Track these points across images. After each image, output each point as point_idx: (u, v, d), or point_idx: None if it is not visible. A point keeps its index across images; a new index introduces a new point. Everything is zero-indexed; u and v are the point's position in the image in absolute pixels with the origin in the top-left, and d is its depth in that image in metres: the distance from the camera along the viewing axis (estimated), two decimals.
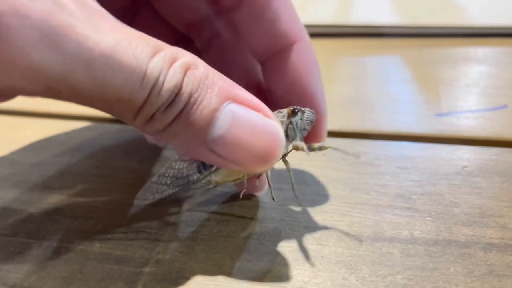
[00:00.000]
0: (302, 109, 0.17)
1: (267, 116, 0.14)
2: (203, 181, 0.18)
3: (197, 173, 0.18)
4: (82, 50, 0.12)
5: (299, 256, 0.17)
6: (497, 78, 0.29)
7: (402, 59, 0.33)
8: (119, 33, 0.13)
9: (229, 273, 0.16)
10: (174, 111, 0.13)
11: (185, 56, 0.14)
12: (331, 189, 0.20)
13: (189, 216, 0.19)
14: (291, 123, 0.16)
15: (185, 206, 0.20)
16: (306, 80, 0.18)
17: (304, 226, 0.18)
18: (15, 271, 0.17)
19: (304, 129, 0.17)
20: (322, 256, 0.17)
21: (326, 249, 0.17)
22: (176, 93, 0.13)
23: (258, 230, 0.18)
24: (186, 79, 0.13)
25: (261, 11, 0.17)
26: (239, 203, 0.19)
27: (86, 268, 0.17)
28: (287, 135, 0.16)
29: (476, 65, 0.31)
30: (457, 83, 0.29)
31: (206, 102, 0.13)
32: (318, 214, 0.19)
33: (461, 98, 0.27)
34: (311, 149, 0.17)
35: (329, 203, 0.19)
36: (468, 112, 0.25)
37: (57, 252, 0.18)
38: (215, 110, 0.13)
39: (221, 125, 0.14)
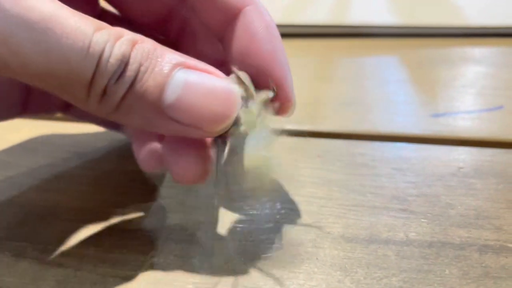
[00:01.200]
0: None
1: (219, 77, 0.15)
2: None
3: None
4: (20, 9, 0.12)
5: (294, 258, 0.17)
6: (493, 79, 0.29)
7: (399, 59, 0.33)
8: (59, 4, 0.13)
9: (223, 277, 0.16)
10: (126, 82, 0.13)
11: (131, 34, 0.14)
12: (326, 191, 0.20)
13: (184, 219, 0.19)
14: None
15: (180, 209, 0.20)
16: (259, 42, 0.16)
17: (299, 229, 0.18)
18: (9, 275, 0.17)
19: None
20: (317, 259, 0.17)
21: (321, 252, 0.17)
22: (126, 62, 0.13)
23: (253, 233, 0.18)
24: (134, 50, 0.13)
25: None
26: (233, 207, 0.19)
27: (81, 271, 0.17)
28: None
29: (473, 65, 0.31)
30: (453, 84, 0.29)
31: (157, 69, 0.14)
32: (313, 216, 0.19)
33: (458, 99, 0.27)
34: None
35: (324, 205, 0.19)
36: (465, 113, 0.25)
37: (52, 255, 0.18)
38: (166, 76, 0.14)
39: (174, 90, 0.14)
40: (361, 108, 0.26)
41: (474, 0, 0.39)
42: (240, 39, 0.17)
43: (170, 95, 0.14)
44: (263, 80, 0.16)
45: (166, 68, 0.14)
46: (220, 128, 0.15)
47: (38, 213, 0.20)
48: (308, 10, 0.38)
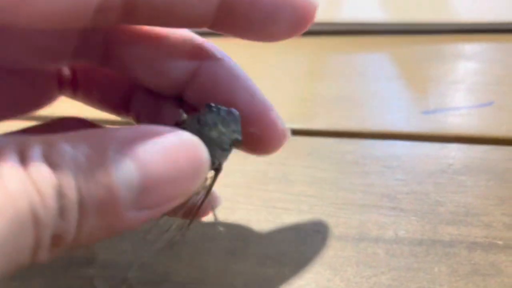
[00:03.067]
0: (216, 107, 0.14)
1: (161, 134, 0.12)
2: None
3: None
4: None
5: (284, 258, 0.17)
6: (484, 75, 0.29)
7: (390, 56, 0.33)
8: None
9: (213, 276, 0.16)
10: (72, 211, 0.10)
11: (32, 150, 0.10)
12: (317, 189, 0.20)
13: (174, 219, 0.19)
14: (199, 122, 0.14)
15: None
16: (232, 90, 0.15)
17: (290, 228, 0.18)
18: None
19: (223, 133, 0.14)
20: (307, 258, 0.17)
21: (311, 250, 0.17)
22: (59, 190, 0.10)
23: (243, 232, 0.18)
24: (57, 163, 0.10)
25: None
26: (224, 205, 0.19)
27: (70, 273, 0.17)
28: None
29: (464, 61, 0.31)
30: (444, 80, 0.29)
31: (96, 169, 0.10)
32: (303, 215, 0.19)
33: (448, 95, 0.27)
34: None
35: (314, 203, 0.19)
36: (455, 109, 0.25)
37: None
38: (110, 168, 0.10)
39: (132, 180, 0.11)
40: (352, 105, 0.26)
41: None
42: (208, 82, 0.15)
43: (129, 191, 0.11)
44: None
45: (106, 164, 0.10)
46: (196, 185, 0.12)
47: None
48: None
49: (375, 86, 0.29)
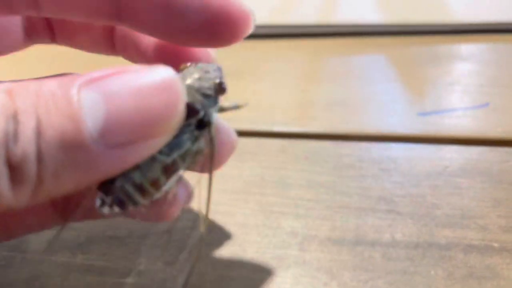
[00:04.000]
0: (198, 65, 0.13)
1: (142, 71, 0.11)
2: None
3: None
4: None
5: (281, 263, 0.17)
6: (479, 75, 0.29)
7: (386, 58, 0.33)
8: None
9: (211, 282, 0.16)
10: (28, 136, 0.10)
11: (3, 83, 0.11)
12: (313, 193, 0.20)
13: (170, 226, 0.19)
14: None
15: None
16: None
17: (287, 232, 0.18)
18: None
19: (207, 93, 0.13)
20: (304, 262, 0.17)
21: (307, 255, 0.17)
22: (14, 115, 0.10)
23: (240, 237, 0.18)
24: (16, 97, 0.10)
25: None
26: (221, 210, 0.19)
27: (69, 280, 0.17)
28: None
29: (459, 62, 0.31)
30: (440, 82, 0.29)
31: (60, 103, 0.10)
32: (300, 219, 0.19)
33: (444, 97, 0.27)
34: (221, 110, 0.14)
35: (311, 207, 0.19)
36: (451, 111, 0.25)
37: (40, 265, 0.18)
38: (74, 104, 0.10)
39: (95, 114, 0.10)
40: (348, 108, 0.27)
41: None
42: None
43: (93, 120, 0.10)
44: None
45: (71, 94, 0.10)
46: (171, 124, 0.12)
47: None
48: (295, 10, 0.38)
49: (371, 88, 0.29)
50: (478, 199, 0.19)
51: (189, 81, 0.13)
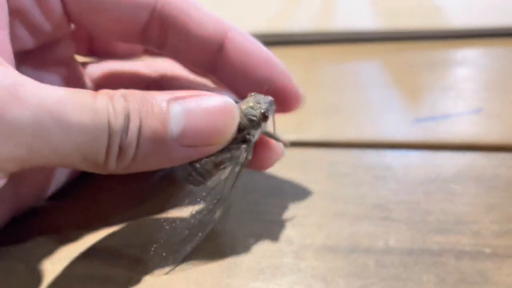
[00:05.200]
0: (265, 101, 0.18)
1: (212, 97, 0.16)
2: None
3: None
4: (39, 99, 0.14)
5: (277, 271, 0.17)
6: (474, 81, 0.30)
7: (382, 64, 0.33)
8: (60, 88, 0.15)
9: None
10: (134, 131, 0.15)
11: (119, 90, 0.16)
12: (309, 201, 0.20)
13: (172, 235, 0.19)
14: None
15: (167, 224, 0.20)
16: (257, 58, 0.19)
17: (283, 240, 0.19)
18: None
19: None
20: (299, 270, 0.17)
21: (303, 263, 0.17)
22: (128, 115, 0.15)
23: (237, 246, 0.18)
24: (130, 102, 0.15)
25: (187, 36, 0.19)
26: (219, 220, 0.20)
27: None
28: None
29: (454, 68, 0.32)
30: (434, 87, 0.29)
31: (156, 110, 0.15)
32: (296, 227, 0.19)
33: (439, 103, 0.27)
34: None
35: (307, 215, 0.20)
36: (445, 117, 0.26)
37: (43, 275, 0.18)
38: (166, 113, 0.15)
39: (178, 121, 0.15)
40: (344, 115, 0.27)
41: (455, 2, 0.39)
42: (237, 63, 0.19)
43: (176, 126, 0.15)
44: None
45: (163, 106, 0.15)
46: (226, 138, 0.17)
47: (28, 233, 0.20)
48: (292, 18, 0.39)
49: (366, 95, 0.29)
50: (471, 205, 0.19)
51: (243, 107, 0.18)
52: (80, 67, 0.23)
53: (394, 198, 0.20)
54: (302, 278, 0.17)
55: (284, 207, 0.20)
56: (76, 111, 0.14)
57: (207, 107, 0.16)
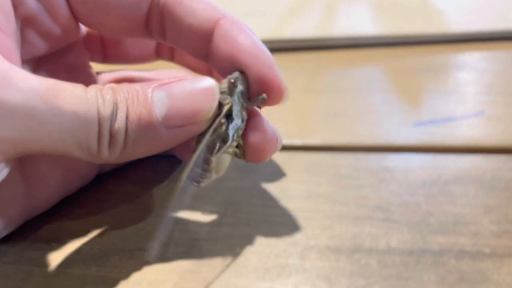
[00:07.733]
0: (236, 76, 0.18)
1: (194, 81, 0.17)
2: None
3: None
4: (31, 83, 0.15)
5: (283, 271, 0.18)
6: (475, 84, 0.30)
7: (383, 69, 0.34)
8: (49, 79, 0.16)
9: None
10: (122, 117, 0.16)
11: (108, 84, 0.17)
12: (313, 204, 0.21)
13: (179, 236, 0.20)
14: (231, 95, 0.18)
15: (176, 226, 0.21)
16: (242, 47, 0.18)
17: (288, 242, 0.19)
18: None
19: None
20: (304, 270, 0.18)
21: (307, 263, 0.18)
22: (115, 103, 0.16)
23: (243, 248, 0.19)
24: (117, 92, 0.16)
25: (180, 24, 0.19)
26: (223, 222, 0.21)
27: None
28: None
29: (455, 72, 0.32)
30: (436, 91, 0.30)
31: (141, 97, 0.16)
32: (301, 228, 0.20)
33: (440, 106, 0.28)
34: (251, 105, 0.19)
35: (311, 217, 0.20)
36: (446, 121, 0.26)
37: (57, 278, 0.19)
38: (150, 98, 0.16)
39: (162, 105, 0.16)
40: (347, 120, 0.28)
41: (455, 7, 0.40)
42: (223, 50, 0.19)
43: (160, 110, 0.16)
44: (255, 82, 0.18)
45: (147, 93, 0.17)
46: (209, 115, 0.17)
47: (41, 237, 0.21)
48: (295, 25, 0.39)
49: (368, 99, 0.30)
50: (471, 206, 0.20)
51: (220, 86, 0.18)
52: (95, 75, 0.23)
53: (395, 200, 0.21)
54: (307, 278, 0.17)
55: (289, 210, 0.21)
56: (67, 98, 0.15)
57: (188, 89, 0.17)
